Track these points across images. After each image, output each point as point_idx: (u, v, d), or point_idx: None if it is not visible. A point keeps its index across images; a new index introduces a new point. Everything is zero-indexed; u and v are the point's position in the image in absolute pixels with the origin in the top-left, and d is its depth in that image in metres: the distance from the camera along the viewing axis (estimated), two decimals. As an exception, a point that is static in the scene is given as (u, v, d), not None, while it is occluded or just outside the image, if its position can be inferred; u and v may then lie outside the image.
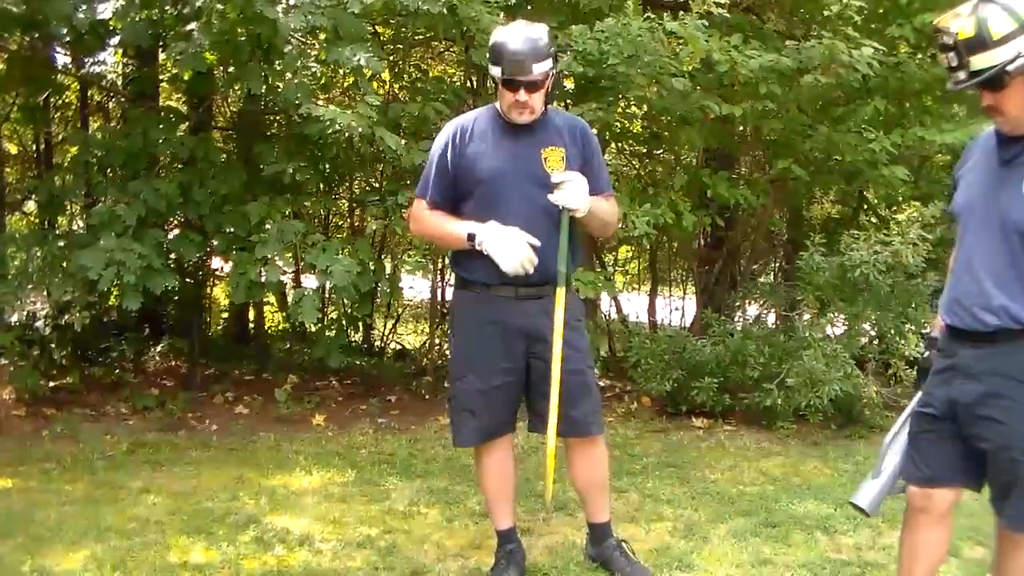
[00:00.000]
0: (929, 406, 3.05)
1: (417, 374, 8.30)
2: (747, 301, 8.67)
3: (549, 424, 3.67)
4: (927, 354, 3.24)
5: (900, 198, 8.26)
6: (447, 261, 4.13)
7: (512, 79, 3.59)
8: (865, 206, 9.53)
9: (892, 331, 7.00)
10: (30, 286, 6.54)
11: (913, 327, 6.86)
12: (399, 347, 9.95)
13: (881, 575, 4.02)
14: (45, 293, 6.70)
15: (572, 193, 3.60)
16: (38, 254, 6.68)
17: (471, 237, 3.60)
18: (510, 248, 3.55)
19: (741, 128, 8.01)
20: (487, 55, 3.78)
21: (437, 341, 8.79)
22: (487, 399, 3.81)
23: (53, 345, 7.53)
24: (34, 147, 9.29)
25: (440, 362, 8.45)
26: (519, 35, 3.62)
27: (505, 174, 3.70)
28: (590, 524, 4.13)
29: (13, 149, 9.63)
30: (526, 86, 3.60)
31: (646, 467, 5.91)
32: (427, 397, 7.78)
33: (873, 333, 7.43)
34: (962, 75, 2.76)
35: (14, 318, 6.80)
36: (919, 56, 7.17)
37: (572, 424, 3.80)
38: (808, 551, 4.36)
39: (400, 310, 10.21)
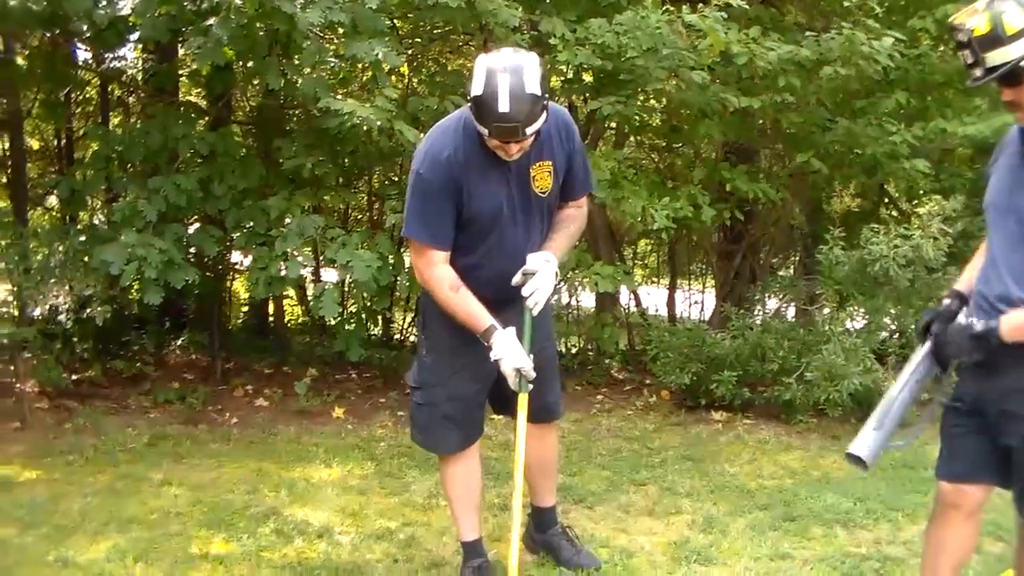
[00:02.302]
0: (959, 400, 3.04)
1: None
2: (767, 295, 8.65)
3: (517, 449, 3.52)
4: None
5: (921, 191, 8.20)
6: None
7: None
8: (885, 199, 9.49)
9: (912, 326, 6.96)
10: (52, 280, 6.58)
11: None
12: (418, 340, 9.94)
13: (901, 570, 4.00)
14: (67, 287, 6.73)
15: (541, 291, 3.43)
16: (60, 249, 6.72)
17: (486, 336, 3.39)
18: (513, 359, 3.36)
19: (760, 121, 7.97)
20: (469, 100, 3.25)
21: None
22: (466, 406, 3.75)
23: (75, 339, 7.57)
24: (55, 143, 9.35)
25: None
26: (508, 93, 3.12)
27: (500, 210, 3.48)
28: (536, 508, 4.09)
29: (35, 145, 9.70)
30: (517, 140, 3.27)
31: (665, 460, 5.91)
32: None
33: (893, 327, 7.39)
34: (978, 72, 2.74)
35: (37, 312, 6.84)
36: (941, 48, 7.13)
37: (547, 409, 3.82)
38: (827, 545, 4.35)
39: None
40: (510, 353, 3.36)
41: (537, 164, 3.49)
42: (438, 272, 3.42)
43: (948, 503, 3.09)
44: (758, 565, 4.08)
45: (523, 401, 3.45)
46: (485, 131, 3.22)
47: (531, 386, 3.41)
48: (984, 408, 2.96)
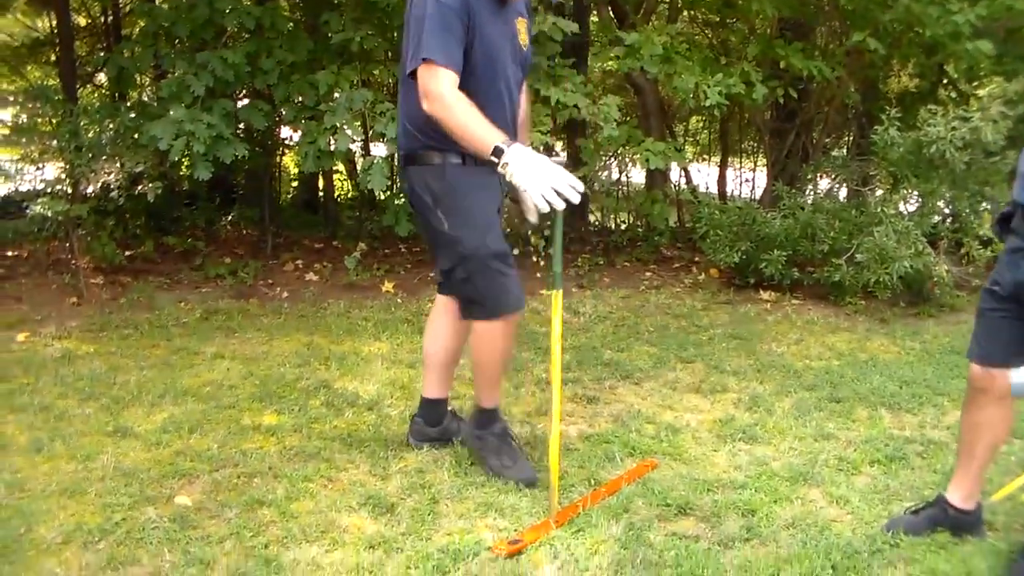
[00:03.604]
0: (997, 284, 3.00)
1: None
2: (819, 174, 8.54)
3: (553, 416, 3.29)
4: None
5: (982, 73, 7.96)
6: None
7: None
8: (944, 80, 9.24)
9: (967, 210, 6.86)
10: (103, 158, 6.62)
11: (989, 207, 6.70)
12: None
13: (944, 453, 4.01)
14: (118, 165, 6.77)
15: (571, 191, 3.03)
16: (110, 126, 6.75)
17: (497, 152, 3.01)
18: (542, 177, 2.97)
19: (817, -4, 7.75)
20: None
21: (505, 209, 8.77)
22: (508, 254, 3.50)
23: (128, 215, 7.66)
24: (102, 19, 9.31)
25: (507, 229, 8.45)
26: None
27: (502, 50, 3.38)
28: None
29: (82, 22, 9.67)
30: None
31: (712, 338, 5.93)
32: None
33: (947, 211, 7.28)
34: None
35: (90, 190, 6.90)
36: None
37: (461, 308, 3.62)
38: (871, 427, 4.36)
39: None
40: (528, 166, 2.99)
41: (519, 19, 3.52)
42: (456, 92, 3.11)
43: (978, 387, 3.08)
44: (802, 445, 4.10)
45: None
46: None
47: (563, 205, 2.99)
48: (1021, 295, 2.92)
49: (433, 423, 3.90)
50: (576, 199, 3.01)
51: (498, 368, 3.66)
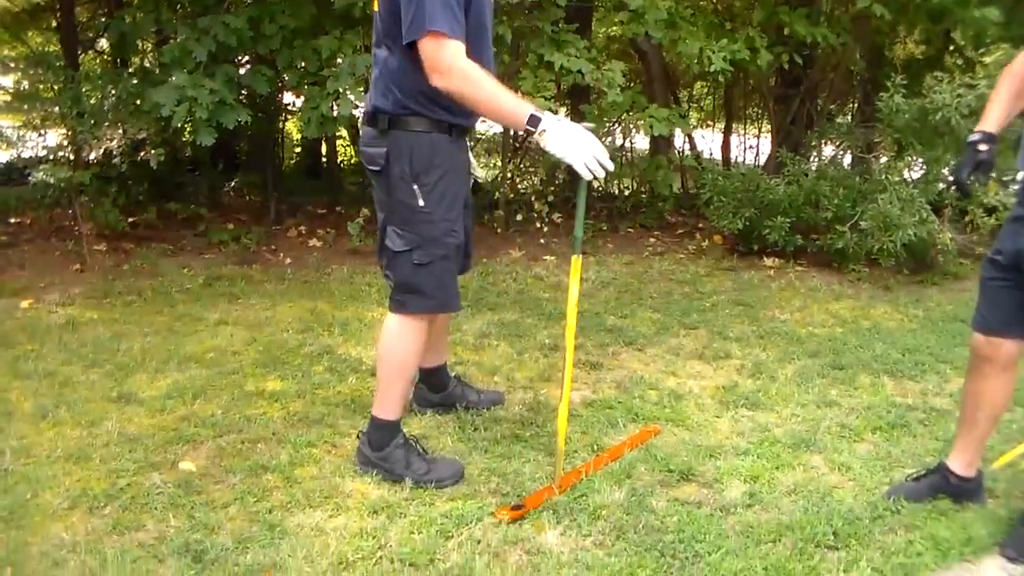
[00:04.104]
0: (999, 253, 3.00)
1: (490, 207, 8.31)
2: (823, 141, 8.50)
3: (564, 381, 3.21)
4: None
5: (989, 39, 7.90)
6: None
7: None
8: (951, 47, 9.17)
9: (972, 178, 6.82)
10: (106, 124, 6.60)
11: (994, 175, 6.67)
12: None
13: (946, 421, 4.02)
14: (121, 131, 6.75)
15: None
16: (112, 92, 6.72)
17: (534, 121, 2.89)
18: (582, 145, 2.91)
19: (822, -39, 7.69)
20: None
21: (509, 175, 8.77)
22: (459, 251, 3.37)
23: (130, 182, 7.64)
24: (104, -17, 9.25)
25: (512, 196, 8.46)
26: None
27: (489, 16, 3.25)
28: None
29: (83, -14, 9.61)
30: None
31: (715, 305, 5.93)
32: (499, 231, 7.83)
33: (952, 179, 7.25)
34: None
35: (92, 156, 6.89)
36: None
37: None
38: (874, 394, 4.37)
39: (472, 144, 10.14)
40: (566, 133, 2.91)
41: None
42: (468, 62, 2.95)
43: (982, 355, 3.08)
44: (804, 411, 4.11)
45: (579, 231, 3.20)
46: None
47: (604, 173, 2.96)
48: (1022, 264, 2.92)
49: (437, 388, 3.90)
50: (611, 167, 2.98)
51: (408, 371, 3.37)
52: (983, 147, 3.01)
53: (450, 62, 2.90)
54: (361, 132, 3.33)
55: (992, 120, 3.05)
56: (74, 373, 4.28)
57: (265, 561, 2.72)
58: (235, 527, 2.91)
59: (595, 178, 2.97)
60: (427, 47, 2.91)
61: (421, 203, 3.15)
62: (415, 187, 3.15)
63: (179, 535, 2.84)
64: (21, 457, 3.38)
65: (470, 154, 3.50)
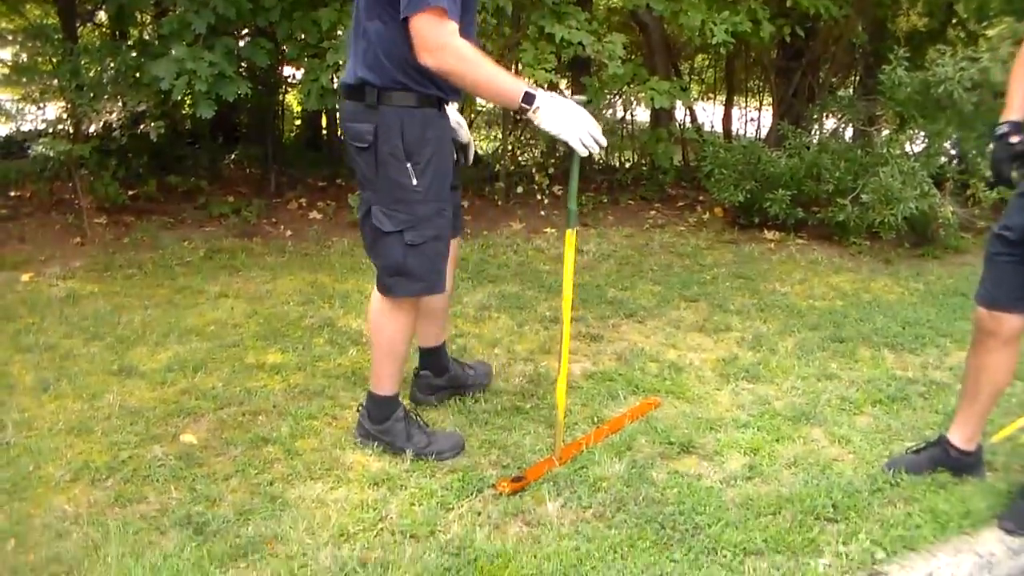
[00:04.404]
0: (1008, 229, 2.99)
1: (490, 179, 8.28)
2: (825, 114, 8.47)
3: (561, 354, 3.21)
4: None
5: (992, 12, 7.85)
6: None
7: None
8: (954, 20, 9.12)
9: (973, 151, 6.80)
10: (105, 97, 6.56)
11: (996, 148, 6.65)
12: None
13: (946, 394, 4.02)
14: (120, 104, 6.71)
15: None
16: (111, 65, 6.68)
17: (528, 99, 2.87)
18: (576, 121, 2.90)
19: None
20: None
21: (510, 147, 8.74)
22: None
23: (130, 155, 7.61)
24: (102, -45, 9.19)
25: (512, 168, 8.43)
26: None
27: None
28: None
29: (81, -43, 9.54)
30: None
31: (716, 277, 5.93)
32: (499, 203, 7.81)
33: (953, 152, 7.23)
34: None
35: (92, 129, 6.86)
36: None
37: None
38: (874, 367, 4.37)
39: (472, 116, 10.11)
40: (561, 110, 2.89)
41: None
42: (463, 41, 2.90)
43: (985, 330, 3.08)
44: (805, 384, 4.12)
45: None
46: None
47: (599, 149, 2.98)
48: None
49: (439, 371, 3.82)
50: (604, 142, 2.98)
51: (401, 347, 3.33)
52: (1015, 138, 2.97)
53: (446, 40, 2.85)
54: (342, 106, 3.23)
55: (1016, 108, 3.02)
56: (75, 346, 4.29)
57: (266, 533, 2.74)
58: (236, 499, 2.92)
59: (591, 154, 2.95)
60: (423, 23, 2.83)
61: (414, 182, 3.08)
62: (408, 165, 3.07)
63: (180, 507, 2.86)
64: (23, 430, 3.39)
65: (459, 116, 3.47)
